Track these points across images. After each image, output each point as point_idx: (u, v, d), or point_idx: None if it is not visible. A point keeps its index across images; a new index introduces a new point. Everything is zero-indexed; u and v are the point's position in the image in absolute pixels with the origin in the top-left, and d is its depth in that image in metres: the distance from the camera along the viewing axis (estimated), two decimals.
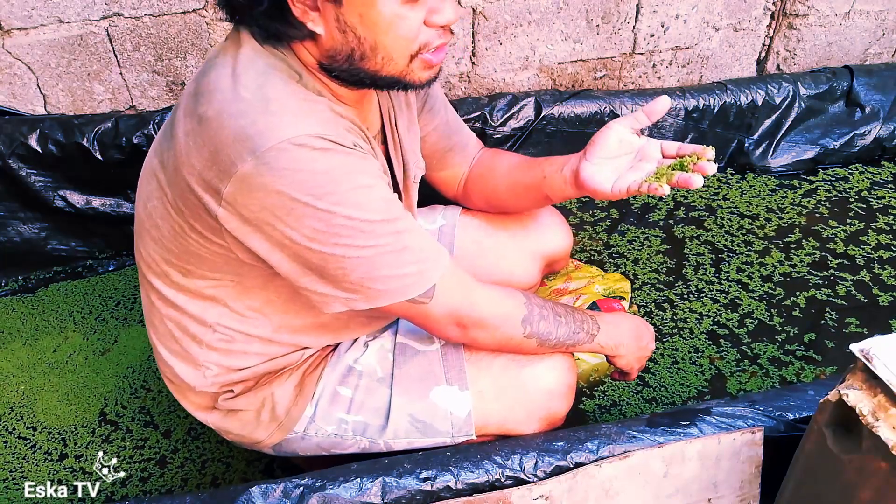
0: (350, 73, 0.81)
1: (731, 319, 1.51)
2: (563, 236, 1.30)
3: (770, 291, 1.57)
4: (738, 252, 1.68)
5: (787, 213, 1.79)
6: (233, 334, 0.94)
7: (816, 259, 1.65)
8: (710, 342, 1.46)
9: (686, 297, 1.56)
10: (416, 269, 0.83)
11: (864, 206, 1.80)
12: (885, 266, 1.62)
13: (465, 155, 1.19)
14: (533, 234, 1.27)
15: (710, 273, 1.62)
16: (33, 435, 1.30)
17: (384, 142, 1.01)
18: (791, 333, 1.47)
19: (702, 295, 1.56)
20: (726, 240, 1.71)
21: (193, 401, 1.01)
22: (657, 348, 1.42)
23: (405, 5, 0.76)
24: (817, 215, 1.78)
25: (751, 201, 1.83)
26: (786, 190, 1.87)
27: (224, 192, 0.77)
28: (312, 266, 0.81)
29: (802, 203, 1.82)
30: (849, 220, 1.75)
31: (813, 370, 1.39)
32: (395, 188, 1.03)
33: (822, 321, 1.50)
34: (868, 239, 1.70)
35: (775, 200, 1.83)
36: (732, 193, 1.86)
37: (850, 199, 1.82)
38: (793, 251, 1.67)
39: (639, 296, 1.56)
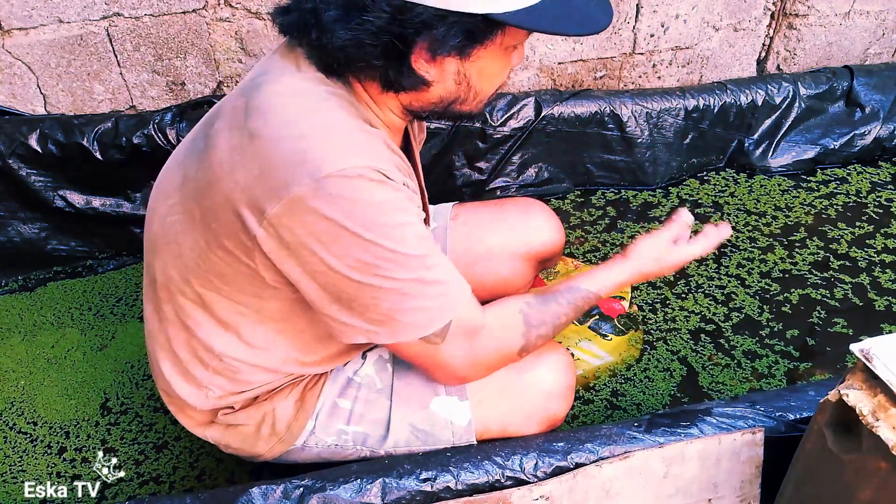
0: (440, 114, 0.86)
1: (718, 314, 1.51)
2: (554, 233, 1.29)
3: (766, 287, 1.58)
4: (741, 248, 1.68)
5: (795, 211, 1.79)
6: (239, 365, 0.93)
7: (819, 259, 1.65)
8: (692, 340, 1.45)
9: (683, 295, 1.56)
10: (439, 303, 0.83)
11: (879, 209, 1.80)
12: (886, 270, 1.61)
13: None
14: (523, 237, 1.26)
15: (711, 268, 1.63)
16: (34, 430, 1.30)
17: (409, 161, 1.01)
18: (775, 329, 1.48)
19: (699, 289, 1.57)
20: (732, 235, 1.72)
21: (192, 416, 1.00)
22: (631, 365, 1.41)
23: (513, 54, 0.83)
24: (824, 216, 1.78)
25: (759, 199, 1.83)
26: (799, 190, 1.87)
27: (269, 213, 0.76)
28: (343, 295, 0.80)
29: (813, 203, 1.82)
30: (858, 223, 1.75)
31: (786, 364, 1.40)
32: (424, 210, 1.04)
33: (810, 319, 1.50)
34: (875, 242, 1.69)
35: (785, 200, 1.83)
36: (741, 191, 1.86)
37: (866, 203, 1.82)
38: (796, 250, 1.68)
39: (639, 295, 1.56)
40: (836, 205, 1.82)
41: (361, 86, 0.84)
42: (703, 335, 1.46)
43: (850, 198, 1.84)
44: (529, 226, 1.26)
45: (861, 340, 1.43)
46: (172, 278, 0.90)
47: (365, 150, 0.77)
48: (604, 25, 0.78)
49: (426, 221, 1.05)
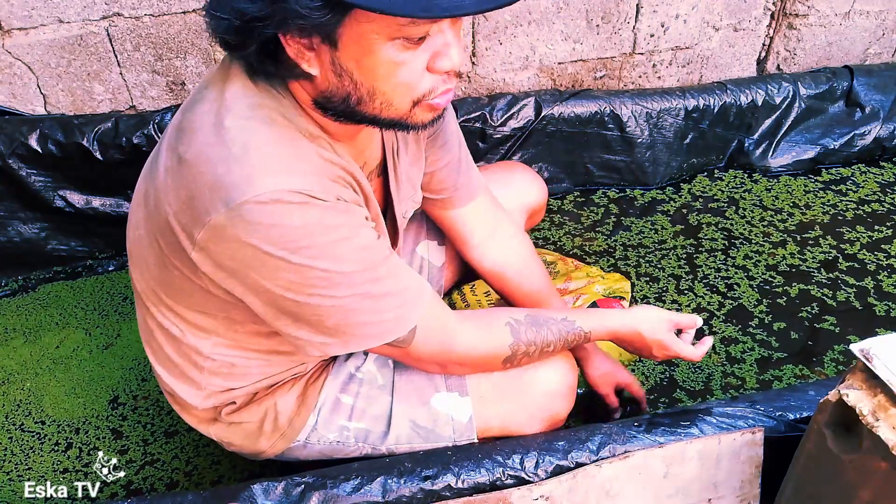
0: (347, 114, 0.78)
1: (713, 303, 1.53)
2: (539, 189, 1.40)
3: (770, 280, 1.59)
4: (752, 241, 1.70)
5: (813, 210, 1.80)
6: (232, 361, 0.93)
7: (829, 258, 1.65)
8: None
9: (684, 291, 1.56)
10: (394, 314, 0.82)
11: None
12: (893, 275, 1.61)
13: (468, 197, 1.15)
14: (512, 191, 1.34)
15: (719, 259, 1.65)
16: (42, 428, 1.31)
17: (384, 173, 0.99)
18: (764, 320, 1.49)
19: (704, 280, 1.58)
20: (744, 229, 1.74)
21: (196, 415, 1.00)
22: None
23: (406, 52, 0.70)
24: (840, 217, 1.78)
25: (778, 196, 1.85)
26: (827, 192, 1.87)
27: (197, 238, 0.75)
28: (287, 311, 0.79)
29: (835, 203, 1.83)
30: (877, 227, 1.75)
31: (761, 351, 1.41)
32: (393, 221, 1.02)
33: (800, 314, 1.50)
34: (890, 248, 1.68)
35: (806, 199, 1.85)
36: (758, 188, 1.88)
37: (886, 206, 1.82)
38: (808, 247, 1.68)
39: (640, 290, 1.56)
40: (863, 208, 1.81)
41: (290, 88, 0.78)
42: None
43: (879, 202, 1.84)
44: (516, 182, 1.37)
45: (848, 340, 1.44)
46: (147, 291, 0.90)
47: (284, 169, 0.73)
48: (463, 9, 0.65)
49: (396, 233, 1.03)
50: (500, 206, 1.21)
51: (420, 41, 0.71)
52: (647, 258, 1.66)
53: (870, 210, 1.80)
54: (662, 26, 1.85)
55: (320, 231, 0.74)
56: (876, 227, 1.75)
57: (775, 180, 1.91)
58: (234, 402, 0.98)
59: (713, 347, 1.43)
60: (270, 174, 0.72)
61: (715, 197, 1.86)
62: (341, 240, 0.76)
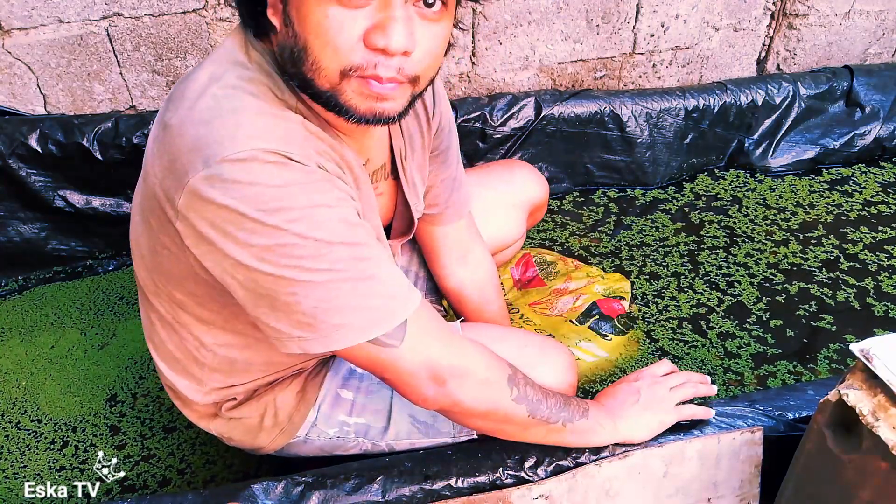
0: (297, 79, 0.75)
1: (713, 299, 1.54)
2: (541, 186, 1.41)
3: (770, 278, 1.60)
4: (755, 239, 1.71)
5: (817, 209, 1.81)
6: (234, 356, 0.91)
7: (831, 258, 1.66)
8: (677, 327, 1.47)
9: (684, 288, 1.57)
10: (381, 302, 0.73)
11: None
12: (894, 276, 1.61)
13: (456, 216, 1.15)
14: (514, 187, 1.36)
15: (720, 256, 1.66)
16: (38, 426, 1.31)
17: (395, 177, 0.98)
18: (762, 317, 1.50)
19: (706, 277, 1.59)
20: (747, 227, 1.75)
21: (196, 410, 1.00)
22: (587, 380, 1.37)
23: (341, 9, 0.67)
24: (844, 218, 1.78)
25: (782, 195, 1.86)
26: (833, 192, 1.88)
27: (179, 205, 0.71)
28: (264, 294, 0.72)
29: (840, 203, 1.83)
30: (881, 228, 1.75)
31: (756, 347, 1.43)
32: (410, 221, 1.01)
33: (798, 312, 1.51)
34: (893, 249, 1.68)
35: (809, 199, 1.85)
36: (761, 188, 1.89)
37: (890, 206, 1.83)
38: (810, 246, 1.69)
39: (640, 288, 1.56)
40: (868, 209, 1.81)
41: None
42: (685, 322, 1.48)
43: (884, 203, 1.84)
44: (518, 177, 1.38)
45: (844, 339, 1.44)
46: (146, 280, 0.88)
47: (267, 133, 0.71)
48: None
49: (408, 231, 1.02)
50: (477, 230, 1.22)
51: (360, 4, 0.68)
52: (651, 256, 1.66)
53: (875, 211, 1.81)
54: (662, 26, 1.85)
55: (298, 193, 0.70)
56: (880, 228, 1.75)
57: (779, 180, 1.92)
58: (235, 398, 0.98)
59: (711, 342, 1.43)
60: (252, 133, 0.70)
61: (718, 196, 1.86)
62: (321, 206, 0.71)
